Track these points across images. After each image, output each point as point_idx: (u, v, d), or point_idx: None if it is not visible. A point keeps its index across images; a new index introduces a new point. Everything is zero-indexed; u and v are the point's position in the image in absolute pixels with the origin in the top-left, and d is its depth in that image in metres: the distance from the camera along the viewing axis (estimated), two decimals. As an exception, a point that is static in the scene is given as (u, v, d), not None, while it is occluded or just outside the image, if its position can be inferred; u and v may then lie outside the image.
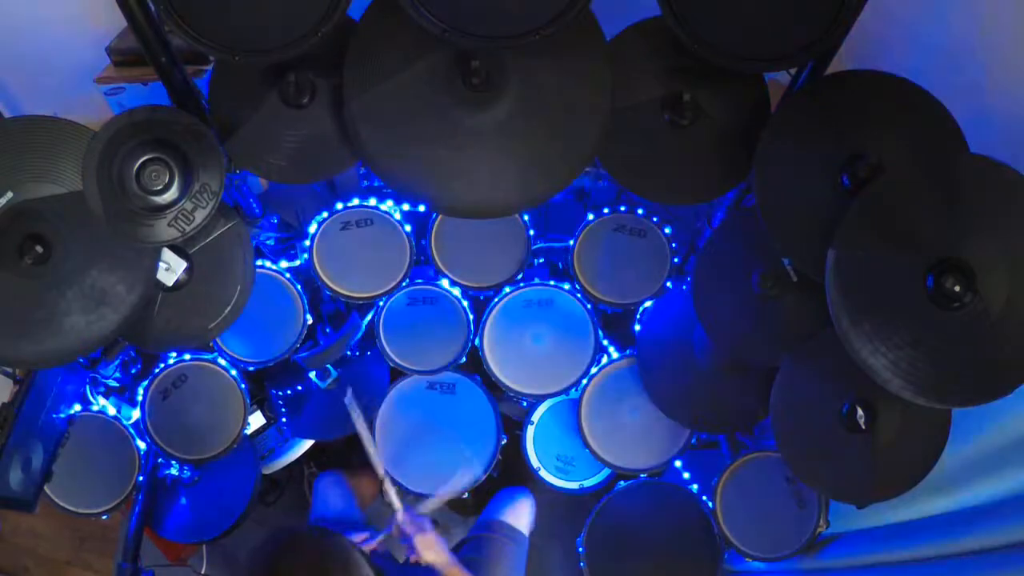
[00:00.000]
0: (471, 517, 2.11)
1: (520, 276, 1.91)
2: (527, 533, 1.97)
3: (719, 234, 1.64)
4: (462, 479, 1.92)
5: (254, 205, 1.80)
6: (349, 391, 1.81)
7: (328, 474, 2.08)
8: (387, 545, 1.87)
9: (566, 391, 1.99)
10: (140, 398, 1.89)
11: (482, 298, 1.97)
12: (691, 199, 1.66)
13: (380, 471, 1.80)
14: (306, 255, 1.84)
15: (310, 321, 1.90)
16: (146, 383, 1.89)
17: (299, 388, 2.23)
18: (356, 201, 1.79)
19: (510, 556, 1.87)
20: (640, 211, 1.81)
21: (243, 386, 1.92)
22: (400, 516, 1.66)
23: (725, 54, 1.25)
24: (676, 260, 1.85)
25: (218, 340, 1.88)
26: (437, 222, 1.85)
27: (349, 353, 2.11)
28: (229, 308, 1.57)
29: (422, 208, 1.84)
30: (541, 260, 2.04)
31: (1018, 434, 1.30)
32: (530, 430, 2.11)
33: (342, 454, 2.39)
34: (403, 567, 1.84)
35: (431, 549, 1.60)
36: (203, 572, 2.34)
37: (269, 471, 2.25)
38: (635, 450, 1.96)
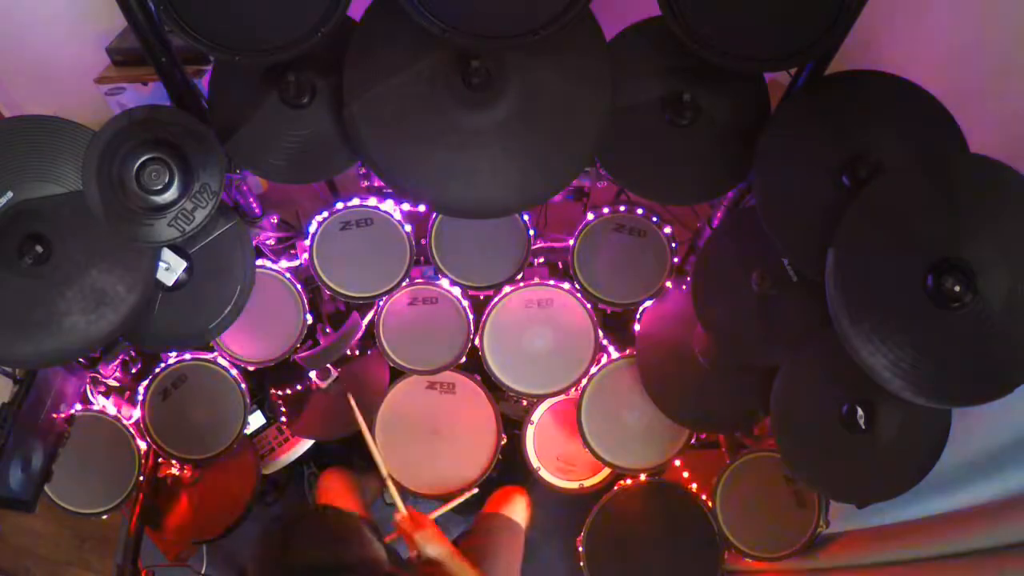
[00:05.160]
0: (470, 515, 2.11)
1: (520, 276, 1.91)
2: (523, 527, 1.98)
3: (719, 234, 1.64)
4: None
5: (254, 205, 1.81)
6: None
7: (328, 473, 2.08)
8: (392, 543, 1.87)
9: (566, 391, 1.99)
10: (140, 398, 1.89)
11: (482, 298, 1.97)
12: (691, 199, 1.66)
13: (384, 471, 1.81)
14: (306, 255, 1.84)
15: (310, 321, 1.90)
16: (146, 383, 1.89)
17: (299, 388, 2.23)
18: (356, 201, 1.79)
19: (507, 548, 1.89)
20: (640, 211, 1.81)
21: (243, 386, 1.92)
22: (399, 515, 1.67)
23: (725, 54, 1.25)
24: (676, 260, 1.85)
25: (218, 340, 1.88)
26: (437, 222, 1.85)
27: (349, 353, 2.11)
28: (229, 308, 1.57)
29: (422, 208, 1.84)
30: (541, 260, 2.04)
31: (1018, 434, 1.30)
32: (530, 430, 2.11)
33: (342, 454, 2.39)
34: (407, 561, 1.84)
35: (431, 543, 1.60)
36: (203, 572, 2.34)
37: (269, 471, 2.25)
38: (635, 450, 1.96)
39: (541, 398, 2.04)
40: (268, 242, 1.91)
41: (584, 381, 1.95)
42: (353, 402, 1.90)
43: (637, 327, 1.91)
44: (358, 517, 1.24)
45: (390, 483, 1.77)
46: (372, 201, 1.78)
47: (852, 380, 1.28)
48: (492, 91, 1.35)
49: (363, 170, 1.68)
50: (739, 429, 1.93)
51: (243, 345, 1.92)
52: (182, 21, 1.21)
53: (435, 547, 1.60)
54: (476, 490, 2.03)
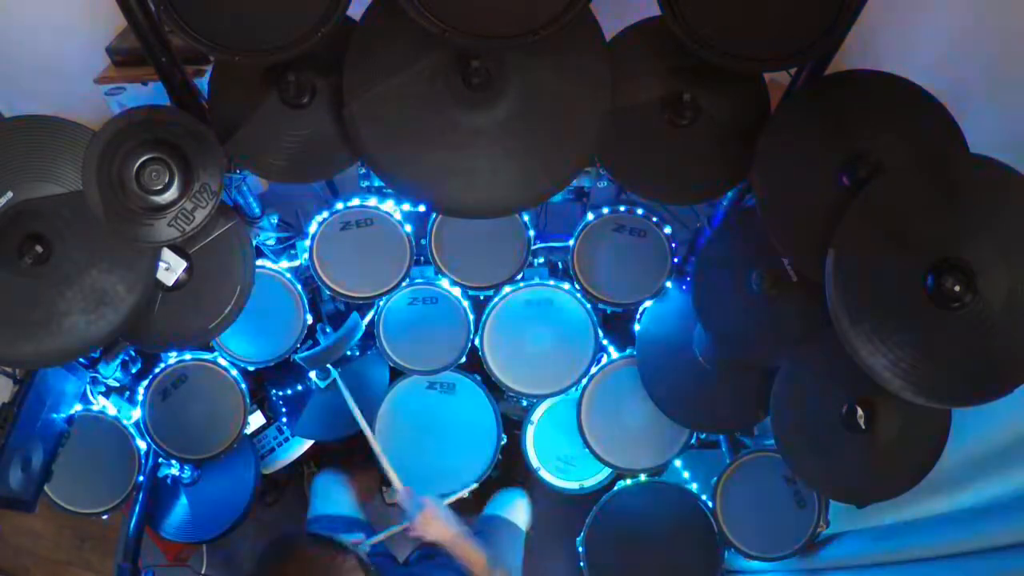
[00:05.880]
0: (471, 515, 2.11)
1: (520, 276, 1.91)
2: (524, 529, 1.98)
3: (719, 234, 1.64)
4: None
5: (254, 205, 1.81)
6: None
7: (327, 472, 2.08)
8: (386, 545, 1.87)
9: (566, 391, 1.99)
10: (140, 398, 1.89)
11: (482, 298, 1.97)
12: (691, 199, 1.66)
13: (376, 447, 1.80)
14: (306, 255, 1.84)
15: (310, 321, 1.90)
16: (146, 383, 1.89)
17: (299, 388, 2.23)
18: (356, 201, 1.79)
19: (509, 548, 1.89)
20: (640, 211, 1.81)
21: (243, 386, 1.92)
22: (401, 495, 1.67)
23: (725, 54, 1.25)
24: (676, 260, 1.85)
25: (218, 340, 1.88)
26: (437, 222, 1.85)
27: (349, 353, 2.11)
28: (229, 308, 1.57)
29: (422, 208, 1.84)
30: (541, 260, 2.04)
31: (1018, 434, 1.30)
32: (530, 430, 2.11)
33: (342, 454, 2.39)
34: (401, 567, 1.84)
35: (434, 524, 1.60)
36: (203, 572, 2.34)
37: (269, 471, 2.25)
38: (635, 450, 1.96)
39: (541, 398, 2.04)
40: (268, 242, 1.91)
41: (584, 381, 1.95)
42: (347, 393, 1.90)
43: (637, 327, 1.91)
44: (342, 543, 1.24)
45: (385, 462, 1.76)
46: (372, 201, 1.78)
47: (852, 380, 1.28)
48: (492, 91, 1.35)
49: (363, 170, 1.68)
50: (739, 429, 1.93)
51: (243, 345, 1.92)
52: (182, 21, 1.21)
53: (437, 529, 1.60)
54: (475, 485, 2.03)
